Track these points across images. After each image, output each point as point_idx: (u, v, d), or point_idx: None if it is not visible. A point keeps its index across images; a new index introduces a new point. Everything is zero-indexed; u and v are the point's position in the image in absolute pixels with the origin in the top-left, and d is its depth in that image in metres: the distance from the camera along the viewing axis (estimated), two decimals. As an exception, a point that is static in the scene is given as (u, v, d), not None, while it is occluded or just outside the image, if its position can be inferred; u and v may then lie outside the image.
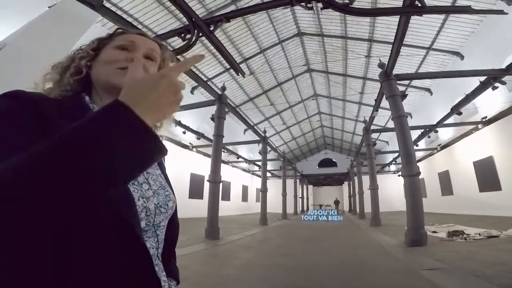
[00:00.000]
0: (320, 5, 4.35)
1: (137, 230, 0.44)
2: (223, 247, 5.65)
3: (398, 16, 5.08)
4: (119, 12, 8.48)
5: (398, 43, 5.53)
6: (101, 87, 0.58)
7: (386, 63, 6.49)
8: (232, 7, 10.30)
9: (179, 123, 10.90)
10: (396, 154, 17.16)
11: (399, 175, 18.59)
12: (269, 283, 3.26)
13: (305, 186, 29.84)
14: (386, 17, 8.92)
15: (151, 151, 0.36)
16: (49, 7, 3.51)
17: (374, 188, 10.61)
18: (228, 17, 5.32)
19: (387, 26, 11.06)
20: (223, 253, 5.05)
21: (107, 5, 6.81)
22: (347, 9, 4.30)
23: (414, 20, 5.77)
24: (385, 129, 15.26)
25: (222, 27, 5.59)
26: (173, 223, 0.63)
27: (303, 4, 4.51)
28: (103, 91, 0.58)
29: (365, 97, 17.20)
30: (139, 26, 9.51)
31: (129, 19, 9.13)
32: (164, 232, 0.58)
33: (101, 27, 9.05)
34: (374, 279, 3.26)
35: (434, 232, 6.68)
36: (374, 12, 6.59)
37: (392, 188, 21.56)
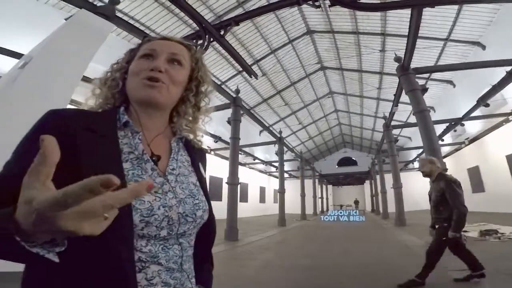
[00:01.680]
0: (327, 2, 4.28)
1: (114, 245, 0.42)
2: (242, 249, 5.69)
3: (410, 9, 4.89)
4: (131, 22, 8.72)
5: (413, 36, 5.34)
6: (132, 99, 0.59)
7: (403, 56, 6.27)
8: (240, 10, 10.34)
9: (196, 127, 11.14)
10: (420, 150, 16.42)
11: (424, 172, 17.74)
12: (289, 283, 3.24)
13: (324, 186, 29.30)
14: (397, 10, 8.60)
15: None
16: (65, 19, 3.66)
17: (397, 186, 10.21)
18: (237, 20, 5.41)
19: (400, 19, 10.67)
20: (242, 255, 5.09)
21: (119, 15, 7.10)
22: (355, 5, 4.21)
23: (427, 12, 5.52)
24: (406, 125, 14.66)
25: (231, 30, 5.64)
26: (208, 230, 0.62)
27: (310, 2, 4.47)
28: (135, 103, 0.59)
29: (383, 92, 16.61)
30: (151, 34, 9.79)
31: (141, 28, 9.35)
32: (193, 240, 0.57)
33: (115, 36, 9.51)
34: (399, 280, 3.13)
35: (464, 231, 6.30)
36: (383, 7, 6.32)
37: (417, 186, 20.63)
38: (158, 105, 0.58)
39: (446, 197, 2.63)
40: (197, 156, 0.66)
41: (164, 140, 0.61)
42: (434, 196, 2.79)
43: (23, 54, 4.41)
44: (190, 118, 0.66)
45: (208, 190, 0.64)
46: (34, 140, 0.39)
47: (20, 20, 6.85)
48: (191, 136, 0.67)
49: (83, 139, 0.46)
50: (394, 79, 12.95)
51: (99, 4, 4.95)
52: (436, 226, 2.81)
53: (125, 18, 8.69)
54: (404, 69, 6.31)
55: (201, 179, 0.63)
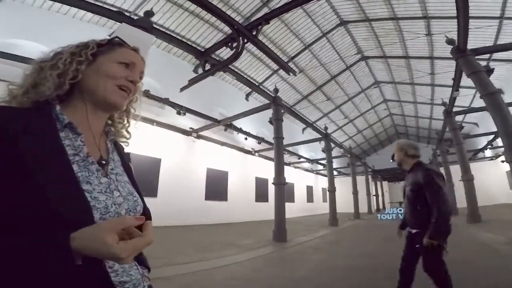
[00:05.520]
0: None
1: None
2: (292, 249, 5.57)
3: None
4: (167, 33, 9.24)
5: (463, 15, 4.77)
6: (93, 99, 0.59)
7: (455, 38, 5.63)
8: (265, 10, 10.28)
9: (240, 130, 11.24)
10: (492, 137, 14.09)
11: (502, 161, 15.01)
12: (347, 284, 3.10)
13: (378, 183, 27.20)
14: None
15: None
16: (108, 36, 4.06)
17: (468, 178, 8.96)
18: (267, 18, 5.34)
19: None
20: (292, 255, 4.98)
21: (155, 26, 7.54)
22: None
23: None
24: (471, 110, 12.80)
25: (261, 30, 5.63)
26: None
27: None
28: (93, 103, 0.59)
29: (438, 77, 14.88)
30: (188, 43, 10.23)
31: (177, 38, 10.01)
32: None
33: (156, 48, 10.19)
34: (479, 278, 2.75)
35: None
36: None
37: (490, 178, 17.69)
38: (116, 111, 0.65)
39: (425, 193, 1.99)
40: (125, 156, 0.71)
41: (102, 140, 0.65)
42: (408, 191, 2.17)
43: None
44: (125, 123, 0.73)
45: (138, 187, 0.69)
46: None
47: (70, 41, 7.77)
48: (119, 138, 0.72)
49: (26, 144, 0.46)
50: (448, 63, 11.71)
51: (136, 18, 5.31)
52: (413, 231, 2.08)
53: (161, 29, 9.31)
54: (461, 51, 5.69)
55: (132, 177, 0.67)
